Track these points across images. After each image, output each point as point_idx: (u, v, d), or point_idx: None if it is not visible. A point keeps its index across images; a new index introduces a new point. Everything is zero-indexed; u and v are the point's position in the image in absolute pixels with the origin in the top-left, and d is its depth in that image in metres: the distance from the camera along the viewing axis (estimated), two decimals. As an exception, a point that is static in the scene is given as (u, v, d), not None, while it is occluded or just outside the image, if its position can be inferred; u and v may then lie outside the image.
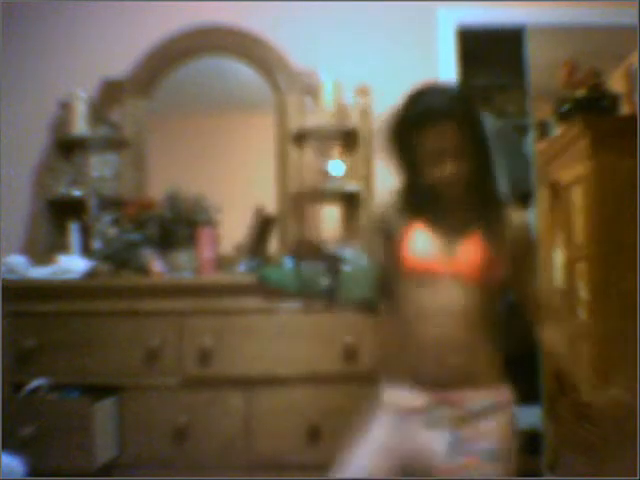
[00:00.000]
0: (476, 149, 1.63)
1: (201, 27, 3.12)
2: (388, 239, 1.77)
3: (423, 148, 1.59)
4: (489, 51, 3.61)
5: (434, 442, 1.63)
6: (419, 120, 1.59)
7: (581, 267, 2.98)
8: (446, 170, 1.60)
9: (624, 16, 3.12)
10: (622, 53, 3.32)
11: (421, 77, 3.16)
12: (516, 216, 1.86)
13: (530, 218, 3.71)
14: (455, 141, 1.58)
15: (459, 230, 1.70)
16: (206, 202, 2.87)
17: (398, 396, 1.70)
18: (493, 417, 1.68)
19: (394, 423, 1.67)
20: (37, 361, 2.54)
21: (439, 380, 1.65)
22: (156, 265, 2.73)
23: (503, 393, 1.75)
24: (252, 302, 2.54)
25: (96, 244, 2.86)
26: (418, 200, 1.73)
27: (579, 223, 2.99)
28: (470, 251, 1.67)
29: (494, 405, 1.70)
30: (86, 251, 2.88)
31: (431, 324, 1.65)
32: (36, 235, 3.01)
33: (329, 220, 3.06)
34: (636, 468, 2.50)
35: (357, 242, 2.94)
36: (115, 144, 3.07)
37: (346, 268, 2.57)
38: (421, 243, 1.70)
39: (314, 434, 2.51)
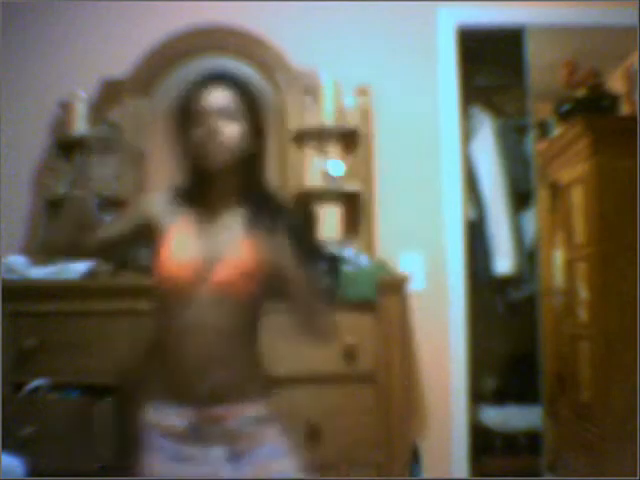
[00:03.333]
0: (244, 114, 1.65)
1: (201, 27, 3.12)
2: (153, 238, 1.67)
3: (196, 108, 1.62)
4: (489, 51, 3.61)
5: (213, 461, 1.59)
6: (198, 83, 1.65)
7: (581, 267, 2.99)
8: (209, 128, 1.60)
9: (624, 16, 3.12)
10: (622, 53, 3.32)
11: (421, 77, 3.21)
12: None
13: (530, 218, 3.71)
14: (225, 100, 1.62)
15: (224, 228, 1.65)
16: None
17: (163, 416, 1.63)
18: (264, 428, 1.64)
19: (165, 446, 1.60)
20: (37, 361, 2.54)
21: (201, 397, 1.60)
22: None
23: (268, 406, 1.69)
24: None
25: (96, 244, 2.86)
26: (186, 187, 1.69)
27: (579, 223, 2.99)
28: (234, 258, 1.60)
29: (262, 417, 1.65)
30: (86, 251, 2.88)
31: (190, 341, 1.59)
32: (36, 235, 3.01)
33: (329, 220, 3.06)
34: (636, 468, 2.51)
35: (357, 242, 2.95)
36: (115, 144, 3.07)
37: (346, 268, 2.58)
38: (181, 245, 1.62)
39: (314, 434, 2.51)
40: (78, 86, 3.02)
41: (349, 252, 2.73)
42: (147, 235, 1.68)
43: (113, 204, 2.94)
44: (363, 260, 2.71)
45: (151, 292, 2.52)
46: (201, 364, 1.60)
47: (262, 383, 1.72)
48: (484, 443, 3.39)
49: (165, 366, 1.63)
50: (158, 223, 1.67)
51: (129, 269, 2.77)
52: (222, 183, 1.66)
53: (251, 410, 1.64)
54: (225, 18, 3.11)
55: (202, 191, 1.67)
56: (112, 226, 1.78)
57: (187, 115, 1.63)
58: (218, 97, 1.63)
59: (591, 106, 2.98)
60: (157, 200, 1.73)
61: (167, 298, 1.61)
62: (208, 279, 1.58)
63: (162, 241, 1.62)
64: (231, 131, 1.62)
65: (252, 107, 1.68)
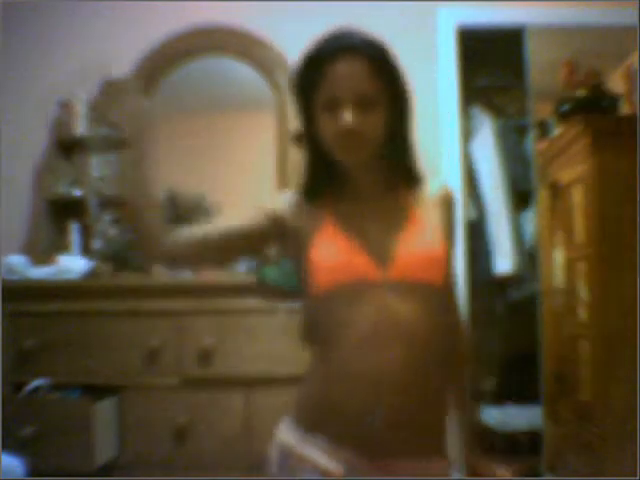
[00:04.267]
0: (387, 99, 1.28)
1: (201, 27, 3.12)
2: (291, 244, 1.37)
3: (323, 89, 1.26)
4: (489, 51, 3.60)
5: None
6: (321, 55, 1.27)
7: (581, 267, 2.98)
8: (345, 118, 1.23)
9: (624, 16, 3.12)
10: (622, 53, 3.32)
11: (421, 77, 3.20)
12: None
13: (530, 218, 3.71)
14: (360, 83, 1.24)
15: (384, 210, 1.34)
16: (206, 202, 2.87)
17: (314, 450, 1.26)
18: None
19: None
20: (37, 361, 2.54)
21: (370, 440, 1.22)
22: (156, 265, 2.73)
23: (447, 463, 1.30)
24: (252, 302, 2.54)
25: (96, 244, 2.87)
26: (323, 178, 1.38)
27: (579, 223, 2.99)
28: (414, 240, 1.29)
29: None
30: (86, 251, 2.89)
31: (367, 358, 1.23)
32: (36, 235, 3.01)
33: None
34: (636, 468, 2.50)
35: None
36: (115, 144, 3.07)
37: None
38: (336, 241, 1.29)
39: (314, 434, 2.51)
40: (78, 86, 3.02)
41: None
42: (274, 238, 1.40)
43: (113, 204, 2.95)
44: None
45: (151, 292, 2.52)
46: (381, 388, 1.22)
47: (444, 429, 1.31)
48: (484, 443, 3.39)
49: (327, 393, 1.28)
50: (294, 225, 1.35)
51: (129, 269, 2.78)
52: (363, 175, 1.34)
53: (432, 468, 1.26)
54: (225, 18, 3.12)
55: (341, 186, 1.36)
56: (217, 225, 1.50)
57: (310, 97, 1.29)
58: (350, 77, 1.24)
59: (591, 106, 2.97)
60: (287, 199, 1.41)
61: (331, 307, 1.27)
62: (386, 276, 1.26)
63: (307, 246, 1.31)
64: (372, 122, 1.26)
65: (395, 83, 1.30)
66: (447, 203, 1.38)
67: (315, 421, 1.28)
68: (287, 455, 1.30)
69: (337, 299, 1.26)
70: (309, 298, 1.32)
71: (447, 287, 1.32)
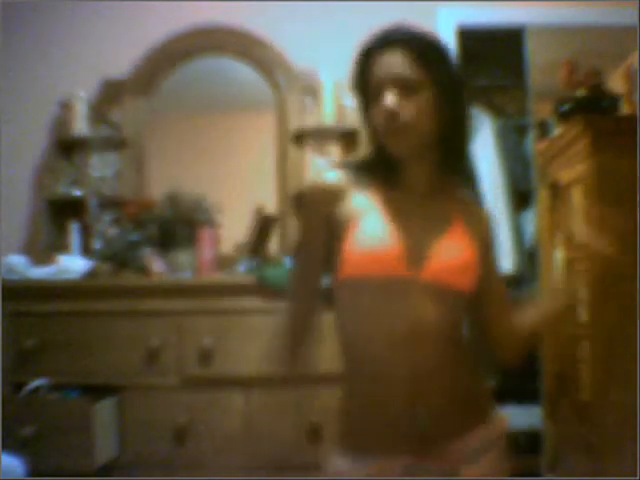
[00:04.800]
0: (433, 86, 1.29)
1: (201, 27, 3.12)
2: (330, 229, 1.33)
3: (372, 78, 1.31)
4: (489, 51, 3.60)
5: None
6: (373, 45, 1.33)
7: (581, 267, 2.98)
8: (387, 100, 1.27)
9: (624, 16, 3.12)
10: (622, 53, 3.31)
11: (421, 77, 3.21)
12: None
13: (530, 218, 3.71)
14: (402, 69, 1.28)
15: (429, 208, 1.34)
16: (206, 202, 2.87)
17: (361, 468, 1.28)
18: (486, 454, 1.33)
19: None
20: (37, 361, 2.54)
21: (415, 437, 1.26)
22: (156, 265, 2.73)
23: (496, 426, 1.38)
24: (252, 302, 2.54)
25: (96, 244, 2.87)
26: (378, 166, 1.37)
27: (579, 223, 2.98)
28: (452, 244, 1.31)
29: (485, 444, 1.33)
30: (86, 251, 2.89)
31: (400, 356, 1.25)
32: (36, 235, 3.01)
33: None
34: (636, 468, 2.50)
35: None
36: (115, 144, 3.07)
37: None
38: (374, 231, 1.27)
39: (314, 434, 2.51)
40: (78, 86, 3.03)
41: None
42: (334, 231, 1.33)
43: (113, 204, 2.95)
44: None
45: (151, 292, 2.52)
46: (417, 387, 1.25)
47: (489, 399, 1.40)
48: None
49: (363, 405, 1.30)
50: (339, 212, 1.32)
51: (129, 269, 2.78)
52: (414, 168, 1.34)
53: (475, 439, 1.31)
54: (225, 18, 3.12)
55: (391, 174, 1.35)
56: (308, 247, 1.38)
57: (362, 89, 1.34)
58: (393, 64, 1.28)
59: (591, 106, 2.97)
60: (331, 186, 1.36)
61: (357, 296, 1.28)
62: (418, 276, 1.26)
63: (347, 232, 1.29)
64: (415, 107, 1.27)
65: (441, 70, 1.31)
66: (488, 222, 1.42)
67: (362, 440, 1.29)
68: None
69: (365, 290, 1.27)
70: (337, 285, 1.31)
71: (473, 292, 1.34)
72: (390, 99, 1.26)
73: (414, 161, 1.33)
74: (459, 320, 1.34)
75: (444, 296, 1.28)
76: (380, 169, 1.36)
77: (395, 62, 1.28)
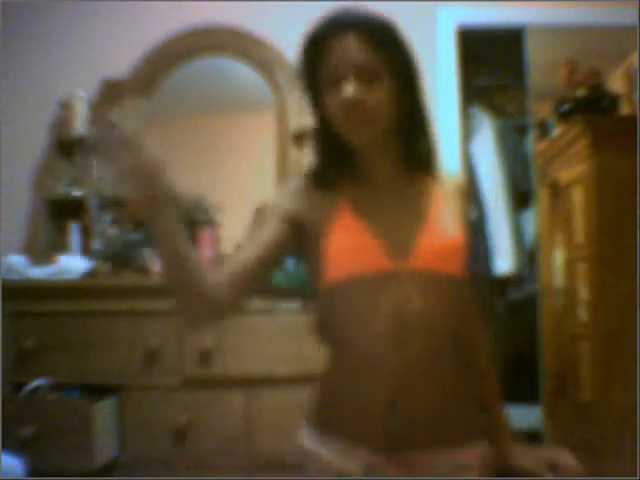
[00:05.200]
0: (391, 72, 1.23)
1: (201, 27, 3.12)
2: (304, 237, 1.28)
3: (325, 65, 1.23)
4: (489, 51, 3.60)
5: None
6: (323, 30, 1.24)
7: (581, 267, 2.98)
8: (346, 90, 1.20)
9: (624, 16, 3.12)
10: (622, 53, 3.32)
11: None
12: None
13: (530, 218, 3.71)
14: (360, 56, 1.20)
15: (403, 196, 1.29)
16: (206, 202, 2.86)
17: (333, 453, 1.24)
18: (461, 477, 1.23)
19: None
20: (37, 361, 2.54)
21: (386, 433, 1.19)
22: (156, 265, 2.73)
23: (474, 455, 1.26)
24: (252, 302, 2.54)
25: (96, 244, 2.86)
26: (335, 162, 1.30)
27: (579, 223, 2.99)
28: (435, 228, 1.25)
29: (457, 470, 1.23)
30: (86, 251, 2.88)
31: (383, 356, 1.19)
32: (36, 235, 3.01)
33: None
34: (636, 468, 2.50)
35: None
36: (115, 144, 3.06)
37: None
38: (352, 230, 1.24)
39: (314, 434, 2.50)
40: (78, 86, 3.03)
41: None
42: (294, 237, 1.29)
43: (113, 204, 2.95)
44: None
45: (151, 292, 2.52)
46: (402, 385, 1.19)
47: (473, 419, 1.29)
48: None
49: (342, 390, 1.25)
50: (307, 217, 1.28)
51: (129, 269, 2.78)
52: (376, 158, 1.29)
53: (448, 458, 1.22)
54: (225, 18, 3.12)
55: (355, 170, 1.30)
56: (247, 249, 1.28)
57: (314, 76, 1.27)
58: (348, 51, 1.21)
59: (591, 106, 2.97)
60: (295, 190, 1.33)
61: (347, 299, 1.22)
62: (405, 267, 1.21)
63: (321, 236, 1.24)
64: (376, 94, 1.21)
65: (400, 55, 1.26)
66: (463, 192, 1.35)
67: (331, 421, 1.25)
68: (304, 458, 1.28)
69: (354, 291, 1.21)
70: (324, 291, 1.25)
71: (464, 278, 1.27)
72: (351, 89, 1.19)
73: (376, 150, 1.27)
74: (454, 312, 1.24)
75: (435, 283, 1.22)
76: (340, 165, 1.30)
77: (351, 48, 1.20)
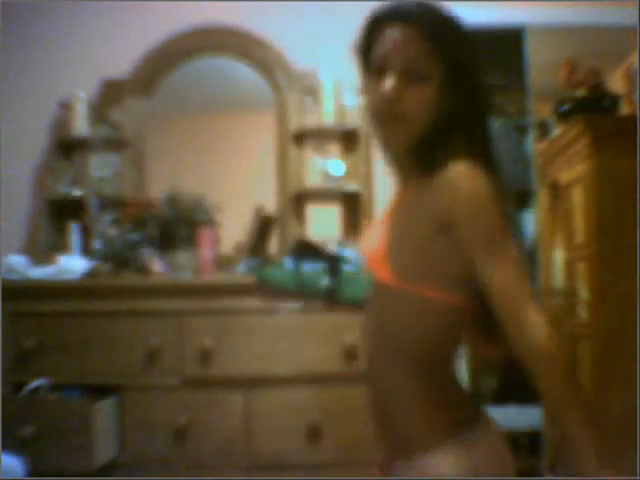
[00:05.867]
0: (441, 75, 1.13)
1: (201, 27, 3.12)
2: None
3: (376, 52, 1.16)
4: (489, 51, 3.60)
5: None
6: (383, 15, 1.17)
7: (581, 267, 2.98)
8: (386, 85, 1.12)
9: (624, 16, 3.12)
10: (622, 53, 3.32)
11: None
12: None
13: (530, 218, 3.71)
14: (413, 49, 1.12)
15: (410, 200, 1.19)
16: (206, 202, 2.87)
17: None
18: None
19: None
20: (37, 361, 2.54)
21: (382, 445, 1.25)
22: (156, 265, 2.73)
23: (424, 471, 1.15)
24: (252, 302, 2.54)
25: (96, 244, 2.86)
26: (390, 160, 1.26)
27: (579, 223, 2.99)
28: (376, 232, 1.22)
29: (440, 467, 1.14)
30: (86, 251, 2.88)
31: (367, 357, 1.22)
32: (36, 235, 3.01)
33: (329, 220, 3.06)
34: (636, 468, 2.50)
35: (357, 242, 2.95)
36: (115, 144, 3.07)
37: (346, 268, 2.58)
38: (373, 226, 1.22)
39: (314, 434, 2.51)
40: (78, 86, 3.03)
41: (349, 252, 2.73)
42: None
43: (113, 204, 2.95)
44: (363, 260, 2.71)
45: (151, 292, 2.52)
46: (376, 399, 1.23)
47: (449, 418, 1.17)
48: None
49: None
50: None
51: (129, 269, 2.78)
52: (403, 162, 1.21)
53: (399, 469, 1.21)
54: (225, 18, 3.11)
55: (394, 167, 1.24)
56: None
57: (367, 60, 1.19)
58: (400, 43, 1.12)
59: (591, 106, 2.98)
60: None
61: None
62: (371, 276, 1.21)
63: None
64: (420, 97, 1.12)
65: (458, 58, 1.16)
66: (451, 190, 1.11)
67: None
68: None
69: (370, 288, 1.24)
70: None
71: (399, 286, 1.15)
72: (390, 84, 1.11)
73: (407, 155, 1.18)
74: (398, 321, 1.16)
75: (379, 291, 1.19)
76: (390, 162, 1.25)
77: (405, 40, 1.11)
